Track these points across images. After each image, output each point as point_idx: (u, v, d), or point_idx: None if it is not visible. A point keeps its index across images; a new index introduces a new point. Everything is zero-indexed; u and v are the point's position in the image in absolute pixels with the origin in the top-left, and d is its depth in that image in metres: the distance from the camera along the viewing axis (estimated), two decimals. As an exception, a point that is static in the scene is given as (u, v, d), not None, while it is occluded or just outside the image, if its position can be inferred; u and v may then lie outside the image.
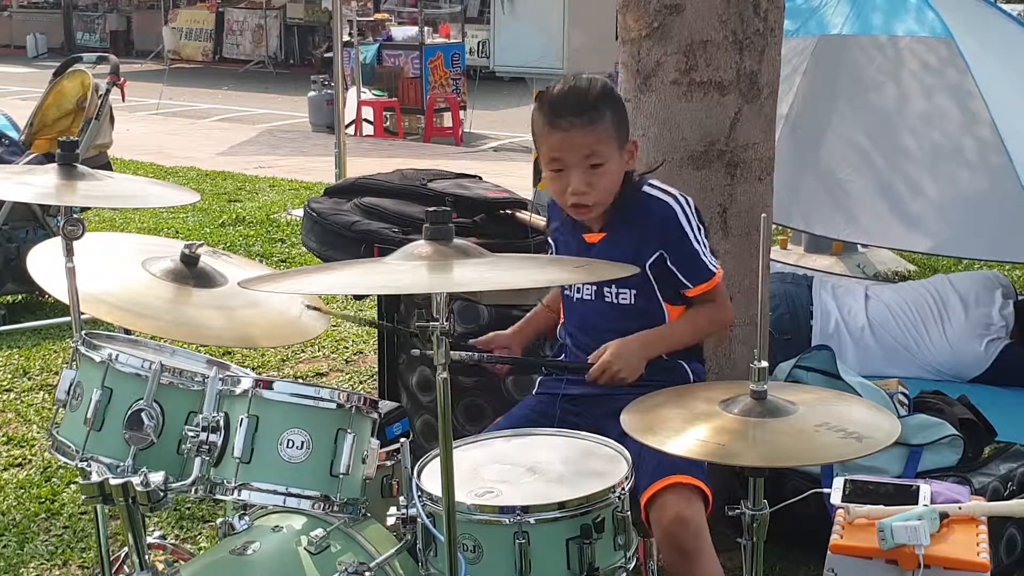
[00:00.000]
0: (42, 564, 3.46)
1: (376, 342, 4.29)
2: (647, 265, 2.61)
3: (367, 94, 13.62)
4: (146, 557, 2.12)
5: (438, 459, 1.98)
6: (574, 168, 2.57)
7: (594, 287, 2.70)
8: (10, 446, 4.31)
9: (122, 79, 6.19)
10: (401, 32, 16.39)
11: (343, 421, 2.20)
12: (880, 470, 3.29)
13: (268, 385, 2.20)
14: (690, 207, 2.66)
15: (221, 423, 2.18)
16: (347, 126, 11.29)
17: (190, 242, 2.58)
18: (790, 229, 6.80)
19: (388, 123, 13.74)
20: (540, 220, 3.77)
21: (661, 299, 2.66)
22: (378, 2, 20.35)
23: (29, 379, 5.02)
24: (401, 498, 2.21)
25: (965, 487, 3.01)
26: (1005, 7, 7.55)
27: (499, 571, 2.05)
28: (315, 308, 2.57)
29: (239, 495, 2.17)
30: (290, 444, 2.16)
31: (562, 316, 2.82)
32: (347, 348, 5.44)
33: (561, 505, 2.06)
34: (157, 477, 2.04)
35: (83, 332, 2.35)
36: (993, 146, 5.27)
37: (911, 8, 5.32)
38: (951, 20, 5.16)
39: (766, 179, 3.45)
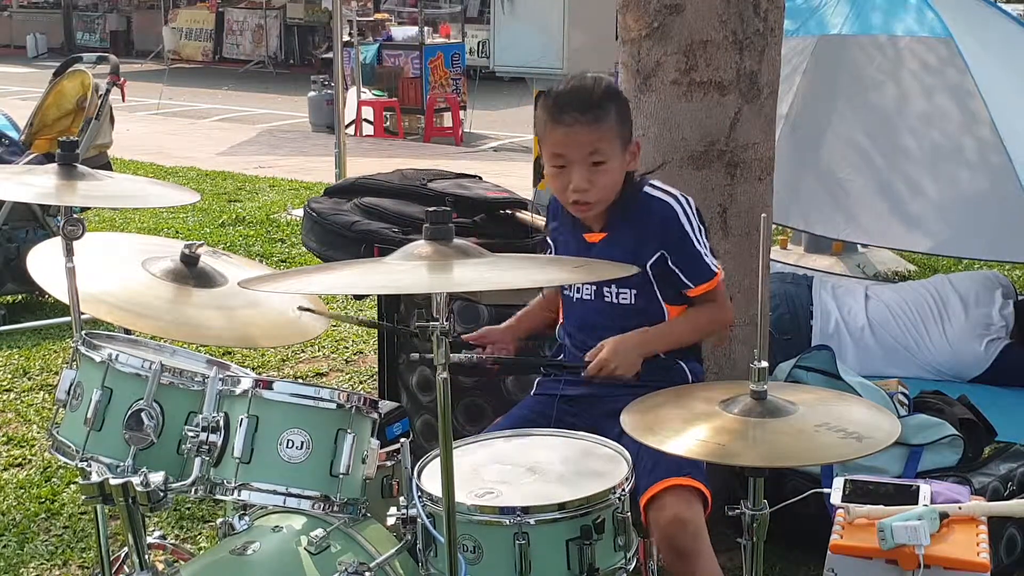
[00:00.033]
0: (42, 564, 3.46)
1: (376, 342, 4.29)
2: (648, 265, 2.62)
3: (367, 94, 13.62)
4: (146, 557, 2.12)
5: (438, 459, 1.98)
6: (576, 165, 2.57)
7: (594, 287, 2.70)
8: (10, 446, 4.31)
9: (122, 79, 6.19)
10: (401, 32, 16.39)
11: (343, 421, 2.20)
12: (880, 470, 3.29)
13: (268, 385, 2.20)
14: (691, 207, 2.67)
15: (221, 423, 2.18)
16: (347, 126, 11.29)
17: (190, 242, 2.58)
18: (790, 229, 6.80)
19: (388, 123, 13.73)
20: (540, 220, 3.78)
21: (661, 299, 2.67)
22: (378, 2, 20.34)
23: (29, 379, 5.02)
24: (401, 498, 2.21)
25: (965, 487, 3.01)
26: (1005, 7, 7.55)
27: (499, 572, 2.05)
28: (307, 309, 2.55)
29: (239, 495, 2.17)
30: (290, 444, 2.16)
31: (561, 316, 2.82)
32: (347, 348, 5.44)
33: (561, 506, 2.06)
34: (157, 477, 2.04)
35: (83, 332, 2.35)
36: (993, 146, 5.27)
37: (911, 8, 5.32)
38: (951, 20, 5.16)
39: (766, 179, 3.45)
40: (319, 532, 2.24)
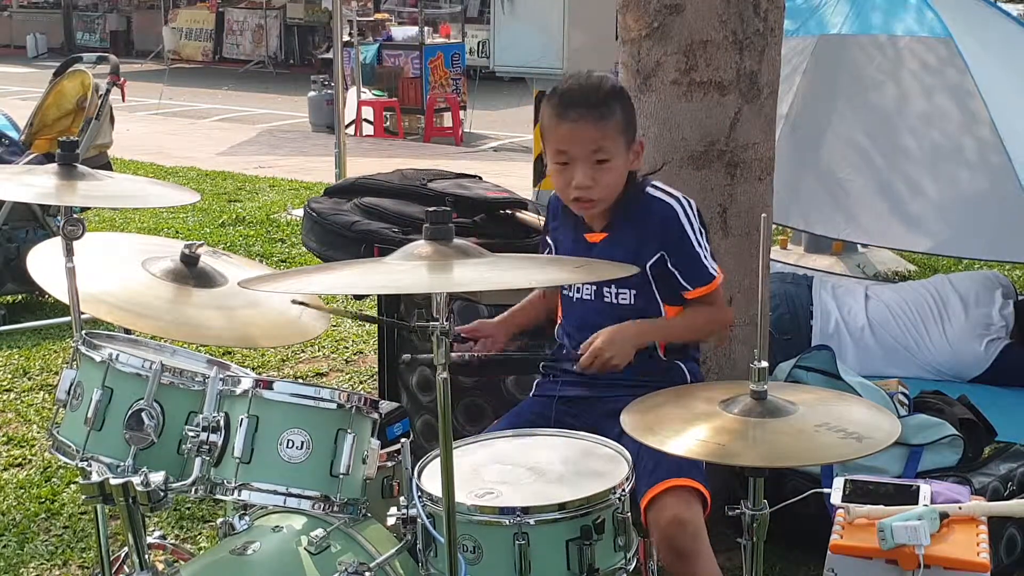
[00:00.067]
0: (42, 564, 3.46)
1: (376, 342, 4.29)
2: (647, 266, 2.61)
3: (367, 94, 13.62)
4: (146, 557, 2.12)
5: (438, 459, 1.98)
6: (580, 162, 2.57)
7: (594, 287, 2.70)
8: (10, 446, 4.31)
9: (122, 79, 6.19)
10: (401, 32, 16.38)
11: (343, 421, 2.20)
12: (880, 470, 3.29)
13: (268, 385, 2.20)
14: (692, 209, 2.66)
15: (221, 423, 2.18)
16: (347, 126, 11.29)
17: (190, 242, 2.58)
18: (790, 229, 6.80)
19: (388, 123, 13.73)
20: (541, 220, 3.77)
21: (660, 300, 2.66)
22: (378, 2, 20.34)
23: (29, 379, 5.02)
24: (401, 498, 2.21)
25: (965, 487, 3.01)
26: (1005, 7, 7.55)
27: (499, 572, 2.05)
28: (303, 304, 2.55)
29: (239, 495, 2.17)
30: (290, 444, 2.17)
31: (560, 316, 2.82)
32: (347, 348, 5.44)
33: (561, 506, 2.06)
34: (157, 477, 2.04)
35: (83, 332, 2.36)
36: (993, 146, 5.27)
37: (910, 8, 5.32)
38: (950, 20, 5.16)
39: (766, 179, 3.45)
40: (319, 532, 2.24)
